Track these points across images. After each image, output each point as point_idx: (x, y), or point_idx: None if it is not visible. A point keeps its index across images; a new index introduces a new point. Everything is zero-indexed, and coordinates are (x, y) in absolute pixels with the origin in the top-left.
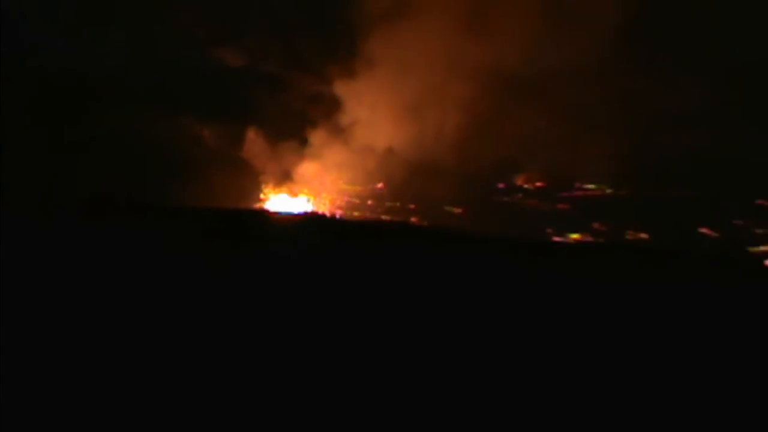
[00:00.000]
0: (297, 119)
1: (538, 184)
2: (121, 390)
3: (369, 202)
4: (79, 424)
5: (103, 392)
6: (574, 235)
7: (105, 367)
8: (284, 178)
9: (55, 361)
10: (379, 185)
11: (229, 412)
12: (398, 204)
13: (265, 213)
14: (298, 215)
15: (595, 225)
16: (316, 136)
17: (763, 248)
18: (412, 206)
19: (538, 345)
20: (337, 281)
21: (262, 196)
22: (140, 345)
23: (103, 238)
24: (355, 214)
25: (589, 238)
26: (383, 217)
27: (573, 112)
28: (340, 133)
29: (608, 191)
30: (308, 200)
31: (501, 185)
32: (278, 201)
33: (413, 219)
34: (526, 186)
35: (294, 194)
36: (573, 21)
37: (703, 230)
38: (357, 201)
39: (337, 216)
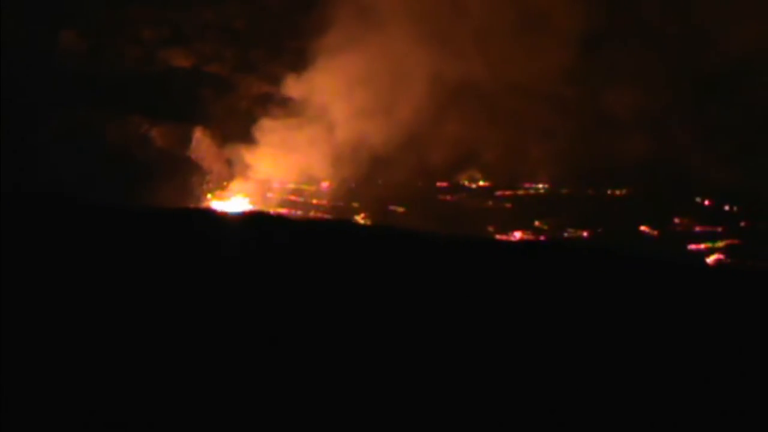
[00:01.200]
0: (243, 120)
1: (481, 183)
2: (64, 394)
3: (314, 201)
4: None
5: (45, 398)
6: (517, 233)
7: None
8: (230, 178)
9: None
10: (325, 184)
11: (178, 415)
12: (342, 203)
13: (210, 212)
14: (242, 214)
15: (537, 223)
16: (263, 137)
17: (702, 246)
18: (355, 205)
19: (476, 344)
20: (280, 280)
21: (208, 195)
22: (81, 348)
23: (46, 237)
24: (294, 212)
25: (530, 236)
26: (327, 215)
27: (516, 116)
28: (286, 133)
29: (549, 190)
30: (253, 199)
31: (444, 185)
32: (224, 200)
33: (357, 217)
34: (468, 185)
35: (239, 193)
36: (518, 30)
37: (643, 228)
38: (301, 200)
39: (281, 214)
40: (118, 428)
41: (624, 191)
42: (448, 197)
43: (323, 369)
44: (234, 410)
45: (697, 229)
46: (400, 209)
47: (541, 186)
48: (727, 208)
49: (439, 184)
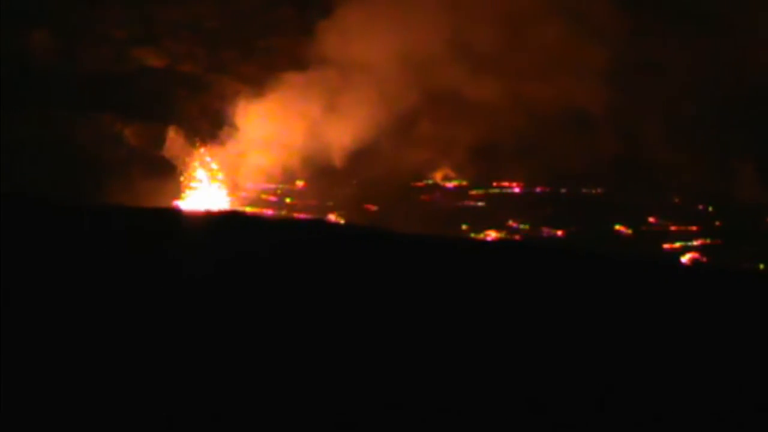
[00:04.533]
0: (216, 119)
1: (455, 182)
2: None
3: (287, 200)
4: None
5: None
6: (491, 233)
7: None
8: (204, 177)
9: None
10: (300, 184)
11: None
12: (316, 202)
13: (184, 212)
14: (217, 213)
15: (511, 222)
16: (236, 136)
17: (676, 245)
18: (329, 204)
19: (450, 345)
20: (253, 279)
21: (181, 194)
22: (51, 348)
23: (17, 237)
24: (268, 211)
25: (505, 236)
26: (300, 214)
27: (489, 115)
28: (260, 133)
29: (524, 189)
30: (226, 198)
31: (418, 184)
32: (197, 199)
33: (331, 216)
34: (443, 184)
35: (213, 193)
36: (495, 30)
37: (618, 228)
38: (275, 199)
39: (256, 214)
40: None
41: (598, 191)
42: (423, 196)
43: (301, 369)
44: (222, 413)
45: (672, 228)
46: (374, 208)
47: (515, 185)
48: (701, 207)
49: (413, 183)
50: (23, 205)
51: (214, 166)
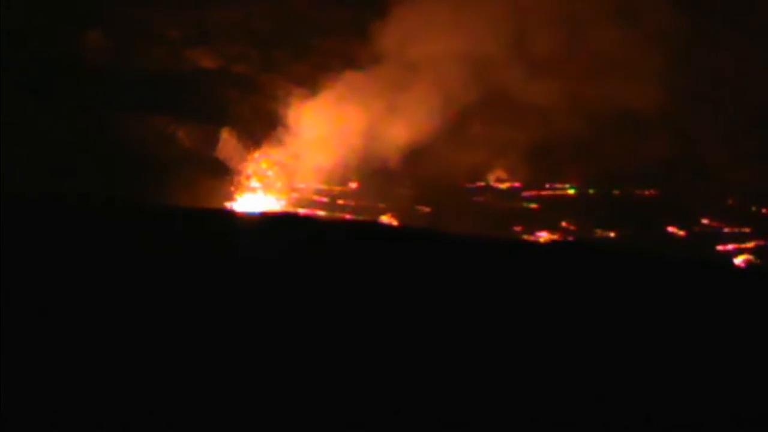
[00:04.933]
0: (270, 120)
1: (507, 184)
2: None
3: (339, 201)
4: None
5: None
6: (543, 234)
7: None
8: (256, 178)
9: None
10: (353, 185)
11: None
12: (369, 203)
13: (236, 213)
14: (269, 215)
15: (564, 224)
16: (289, 137)
17: (730, 246)
18: (382, 205)
19: (504, 346)
20: (307, 281)
21: (234, 195)
22: (112, 348)
23: (73, 238)
24: (322, 213)
25: (557, 237)
26: (353, 216)
27: (543, 117)
28: (313, 134)
29: (577, 191)
30: (279, 200)
31: (471, 185)
32: (250, 201)
33: (384, 218)
34: (495, 185)
35: (266, 194)
36: (546, 29)
37: (670, 229)
38: (327, 200)
39: (308, 215)
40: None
41: (651, 192)
42: (476, 198)
43: (347, 371)
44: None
45: (726, 229)
46: (428, 209)
47: (568, 187)
48: (755, 208)
49: (466, 184)
50: (80, 207)
51: (266, 167)
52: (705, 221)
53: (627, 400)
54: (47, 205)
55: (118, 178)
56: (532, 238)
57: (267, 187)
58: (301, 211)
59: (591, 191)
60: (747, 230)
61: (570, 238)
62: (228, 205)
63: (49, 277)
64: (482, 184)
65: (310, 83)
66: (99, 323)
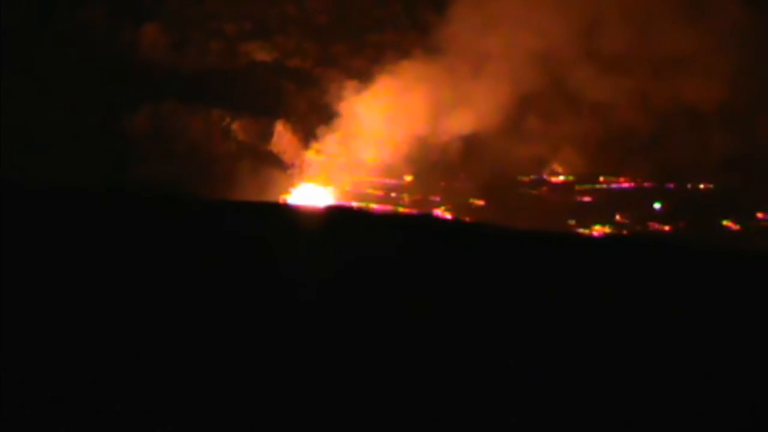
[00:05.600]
0: (325, 114)
1: (562, 178)
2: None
3: (393, 194)
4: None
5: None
6: (597, 227)
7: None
8: (311, 172)
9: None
10: (408, 178)
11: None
12: (423, 196)
13: (290, 206)
14: (323, 208)
15: (618, 218)
16: (345, 130)
17: None
18: (436, 198)
19: (557, 339)
20: (362, 277)
21: (289, 188)
22: (159, 340)
23: (127, 229)
24: (374, 205)
25: (612, 231)
26: (407, 209)
27: (600, 111)
28: (368, 127)
29: (631, 184)
30: (333, 192)
31: (525, 179)
32: (304, 193)
33: (438, 210)
34: (549, 179)
35: (320, 187)
36: (613, 26)
37: (726, 223)
38: (381, 193)
39: (363, 208)
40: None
41: (706, 186)
42: (530, 191)
43: (409, 366)
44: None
45: None
46: (482, 202)
47: (622, 180)
48: None
49: (521, 178)
50: (132, 200)
51: (321, 160)
52: (760, 215)
53: (691, 394)
54: (102, 197)
55: (173, 170)
56: (586, 231)
57: (321, 180)
58: (355, 204)
59: (646, 185)
60: None
61: (624, 232)
62: (282, 198)
63: (106, 267)
64: (537, 177)
65: (366, 76)
66: (144, 315)
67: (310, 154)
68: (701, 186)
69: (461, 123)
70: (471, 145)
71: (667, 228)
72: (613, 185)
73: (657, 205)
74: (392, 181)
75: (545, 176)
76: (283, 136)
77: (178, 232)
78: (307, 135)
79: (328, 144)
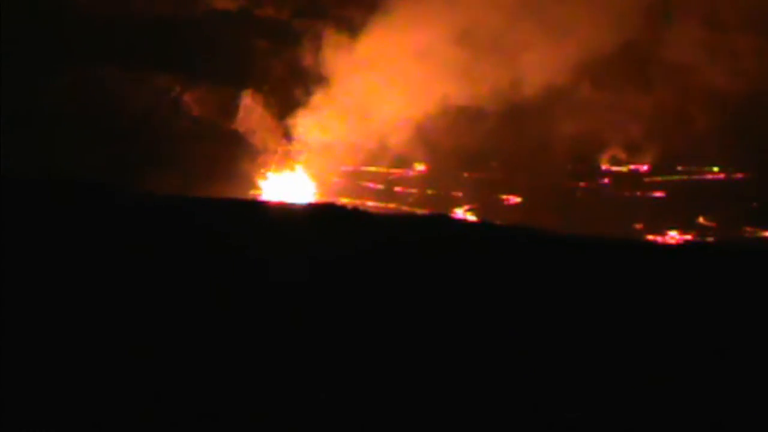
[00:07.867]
0: (307, 81)
1: (627, 167)
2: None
3: (398, 188)
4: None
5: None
6: (673, 233)
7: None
8: (289, 158)
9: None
10: (419, 168)
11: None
12: (439, 192)
13: (264, 203)
14: (306, 206)
15: (702, 220)
16: (332, 103)
17: None
18: (457, 194)
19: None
20: (349, 296)
21: (259, 179)
22: (128, 339)
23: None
24: (372, 204)
25: (693, 237)
26: (416, 209)
27: (675, 78)
28: (363, 98)
29: (721, 175)
30: (316, 185)
31: (577, 168)
32: (279, 187)
33: (459, 210)
34: (609, 169)
35: (300, 178)
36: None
37: None
38: (382, 187)
39: (356, 207)
40: None
41: None
42: (583, 184)
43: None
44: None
45: None
46: (518, 199)
47: (707, 170)
48: None
49: (570, 167)
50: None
51: (301, 142)
52: None
53: None
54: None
55: (108, 156)
56: (658, 237)
57: (302, 170)
58: (345, 201)
59: (739, 176)
60: None
61: (709, 239)
62: (250, 193)
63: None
64: (593, 165)
65: (362, 30)
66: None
67: (285, 134)
68: None
69: (492, 92)
70: (505, 123)
71: (766, 234)
72: (696, 177)
73: (755, 204)
74: (398, 171)
75: (604, 165)
76: (251, 111)
77: (94, 234)
78: (283, 109)
79: (312, 121)
